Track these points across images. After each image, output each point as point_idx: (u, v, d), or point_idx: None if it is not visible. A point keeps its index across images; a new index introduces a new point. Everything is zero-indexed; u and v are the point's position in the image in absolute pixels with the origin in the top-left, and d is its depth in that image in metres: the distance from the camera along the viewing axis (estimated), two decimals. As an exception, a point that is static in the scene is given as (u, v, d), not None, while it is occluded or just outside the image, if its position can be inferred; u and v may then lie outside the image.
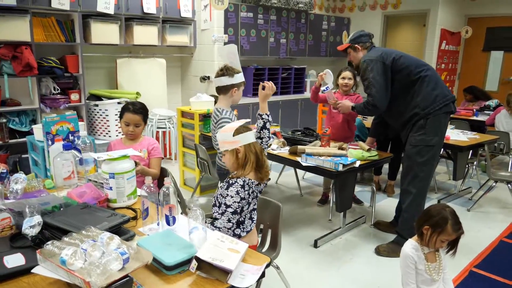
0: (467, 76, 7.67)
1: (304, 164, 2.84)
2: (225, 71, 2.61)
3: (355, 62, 3.11)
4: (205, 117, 3.77)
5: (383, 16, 7.48)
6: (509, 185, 3.79)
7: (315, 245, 3.06)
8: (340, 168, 2.69)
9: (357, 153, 2.95)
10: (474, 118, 5.33)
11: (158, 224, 1.74)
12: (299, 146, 3.00)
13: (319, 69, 7.65)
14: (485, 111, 5.37)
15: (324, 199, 3.91)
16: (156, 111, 4.84)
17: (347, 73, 3.60)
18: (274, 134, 3.40)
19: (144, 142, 2.66)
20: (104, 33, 4.43)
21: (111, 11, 4.35)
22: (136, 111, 2.60)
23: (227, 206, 1.82)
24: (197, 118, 3.78)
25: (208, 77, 5.22)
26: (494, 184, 3.82)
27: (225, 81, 2.61)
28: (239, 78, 2.64)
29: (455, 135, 4.07)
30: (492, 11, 7.03)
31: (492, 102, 5.42)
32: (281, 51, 6.64)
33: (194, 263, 1.37)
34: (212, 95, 4.03)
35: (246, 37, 6.03)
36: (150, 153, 2.63)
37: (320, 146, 3.06)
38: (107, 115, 4.40)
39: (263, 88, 2.33)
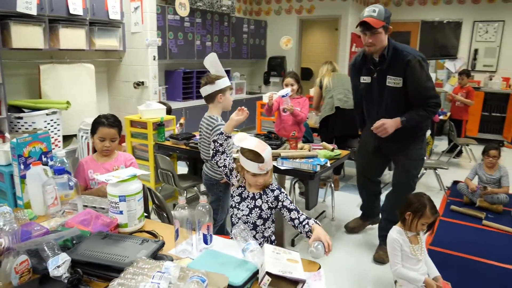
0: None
1: (281, 167, 2.90)
2: (206, 80, 2.61)
3: (378, 46, 2.62)
4: (159, 126, 3.59)
5: (298, 20, 7.89)
6: (436, 171, 4.35)
7: (292, 244, 3.15)
8: (318, 169, 2.82)
9: (325, 153, 3.11)
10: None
11: (192, 245, 1.64)
12: (272, 151, 3.04)
13: (242, 71, 7.79)
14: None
15: None
16: (90, 120, 4.43)
17: (289, 80, 3.68)
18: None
19: (120, 158, 2.46)
20: (26, 37, 3.91)
21: (33, 11, 3.85)
22: (111, 124, 2.39)
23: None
24: (151, 127, 3.58)
25: (143, 83, 4.95)
26: (424, 171, 4.36)
27: (208, 89, 2.59)
28: (222, 83, 2.62)
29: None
30: (392, 17, 7.89)
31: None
32: (207, 54, 6.57)
33: (267, 279, 1.33)
34: (162, 102, 3.85)
35: (174, 40, 5.86)
36: (129, 169, 2.43)
37: (290, 149, 3.15)
38: (35, 129, 3.89)
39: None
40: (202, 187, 4.11)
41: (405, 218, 2.23)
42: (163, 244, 1.55)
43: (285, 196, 1.89)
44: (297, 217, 1.81)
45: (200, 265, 1.43)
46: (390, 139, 2.74)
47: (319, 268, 1.55)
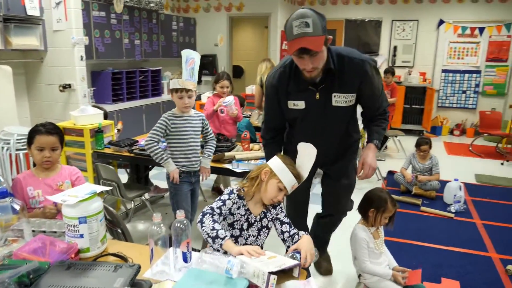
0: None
1: (238, 170, 2.82)
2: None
3: (321, 66, 1.96)
4: (97, 133, 3.30)
5: (228, 17, 7.81)
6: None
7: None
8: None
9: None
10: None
11: (169, 265, 1.50)
12: (226, 153, 2.95)
13: (173, 70, 7.52)
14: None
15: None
16: (10, 129, 3.94)
17: (225, 82, 3.67)
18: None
19: (64, 172, 2.19)
20: None
21: None
22: (49, 131, 2.10)
23: None
24: (88, 135, 3.28)
25: (69, 85, 4.53)
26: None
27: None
28: (172, 84, 2.55)
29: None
30: (317, 16, 8.18)
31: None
32: (136, 53, 6.24)
33: (273, 278, 1.30)
34: (96, 106, 3.54)
35: (100, 39, 5.45)
36: (75, 185, 2.18)
37: (243, 150, 3.08)
38: None
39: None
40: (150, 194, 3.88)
41: (368, 215, 2.28)
42: (139, 268, 1.39)
43: (281, 209, 1.84)
44: (288, 230, 1.77)
45: (186, 286, 1.31)
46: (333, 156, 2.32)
47: (308, 276, 1.51)
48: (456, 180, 4.07)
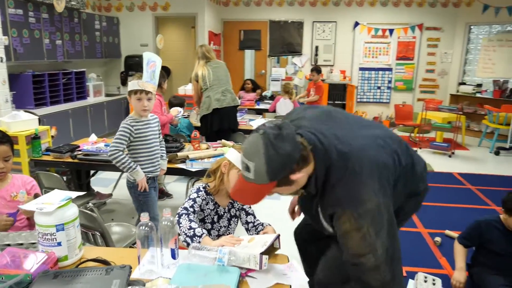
0: (231, 71, 8.84)
1: (192, 169, 2.85)
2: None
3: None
4: (34, 139, 3.09)
5: (153, 17, 7.64)
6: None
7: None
8: (229, 166, 2.86)
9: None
10: (257, 107, 6.37)
11: (155, 263, 1.52)
12: (179, 154, 2.95)
13: (98, 71, 7.20)
14: (265, 101, 6.49)
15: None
16: None
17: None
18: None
19: (16, 182, 2.05)
20: None
21: None
22: (0, 140, 1.97)
23: None
24: (24, 142, 3.05)
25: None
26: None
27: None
28: (129, 86, 2.47)
29: (258, 123, 4.84)
30: (243, 16, 8.37)
31: (268, 93, 6.58)
32: (58, 54, 5.85)
33: (265, 258, 1.43)
34: (27, 111, 3.29)
35: (18, 38, 5.04)
36: (30, 194, 2.06)
37: (194, 150, 3.11)
38: None
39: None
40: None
41: None
42: (130, 268, 1.40)
43: None
44: (252, 221, 1.89)
45: (183, 281, 1.35)
46: None
47: (288, 259, 1.63)
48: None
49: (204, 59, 4.15)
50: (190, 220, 1.70)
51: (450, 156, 6.02)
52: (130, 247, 2.31)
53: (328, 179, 1.34)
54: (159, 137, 2.65)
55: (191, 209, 1.77)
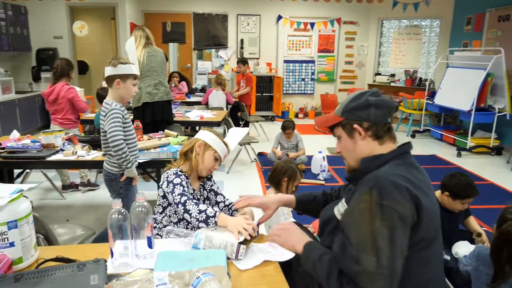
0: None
1: (140, 160, 2.66)
2: (111, 60, 2.27)
3: (346, 152, 1.42)
4: None
5: (67, 7, 7.04)
6: (249, 146, 4.88)
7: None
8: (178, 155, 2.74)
9: (174, 140, 3.04)
10: (188, 100, 6.21)
11: (129, 255, 1.38)
12: (122, 145, 2.74)
13: (5, 66, 6.47)
14: (196, 94, 6.35)
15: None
16: None
17: None
18: (69, 140, 2.89)
19: None
20: None
21: None
22: None
23: None
24: None
25: None
26: (240, 147, 4.80)
27: (108, 71, 2.26)
28: (124, 69, 2.25)
29: (194, 115, 4.74)
30: (165, 8, 8.08)
31: (198, 86, 6.45)
32: (-45, 46, 5.12)
33: (242, 248, 1.39)
34: None
35: None
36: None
37: (138, 140, 2.91)
38: None
39: None
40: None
41: (282, 185, 2.47)
42: (105, 261, 1.25)
43: (214, 180, 1.94)
44: (223, 200, 1.85)
45: (169, 269, 1.24)
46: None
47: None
48: (320, 152, 4.66)
49: (145, 40, 3.85)
50: (196, 204, 1.60)
51: (373, 141, 6.43)
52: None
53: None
54: None
55: (188, 194, 1.68)
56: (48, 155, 2.68)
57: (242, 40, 8.48)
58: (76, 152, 2.74)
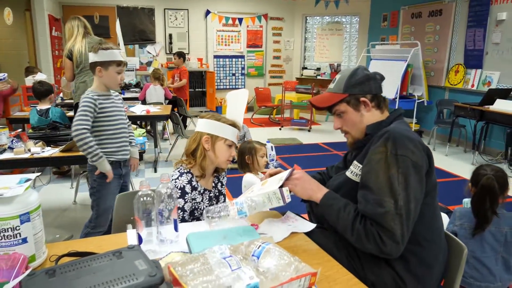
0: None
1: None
2: (92, 46, 2.11)
3: (352, 127, 1.51)
4: None
5: (-29, -4, 6.23)
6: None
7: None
8: (146, 147, 2.63)
9: (137, 133, 2.90)
10: (122, 96, 5.89)
11: (153, 240, 1.30)
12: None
13: None
14: (131, 89, 6.04)
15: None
16: None
17: None
18: (18, 136, 2.59)
19: None
20: None
21: None
22: None
23: None
24: None
25: None
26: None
27: (90, 57, 2.13)
28: (106, 55, 2.08)
29: (140, 109, 4.55)
30: (85, 1, 7.55)
31: (133, 81, 6.14)
32: None
33: (286, 190, 1.34)
34: None
35: None
36: None
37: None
38: None
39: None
40: None
41: (247, 163, 2.51)
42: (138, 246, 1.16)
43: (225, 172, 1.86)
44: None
45: (208, 246, 1.20)
46: None
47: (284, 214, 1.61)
48: (268, 142, 4.74)
49: (83, 29, 3.55)
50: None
51: (309, 131, 6.74)
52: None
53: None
54: (126, 117, 2.31)
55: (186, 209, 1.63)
56: (-5, 154, 2.38)
57: (170, 35, 8.27)
58: (29, 150, 2.46)
